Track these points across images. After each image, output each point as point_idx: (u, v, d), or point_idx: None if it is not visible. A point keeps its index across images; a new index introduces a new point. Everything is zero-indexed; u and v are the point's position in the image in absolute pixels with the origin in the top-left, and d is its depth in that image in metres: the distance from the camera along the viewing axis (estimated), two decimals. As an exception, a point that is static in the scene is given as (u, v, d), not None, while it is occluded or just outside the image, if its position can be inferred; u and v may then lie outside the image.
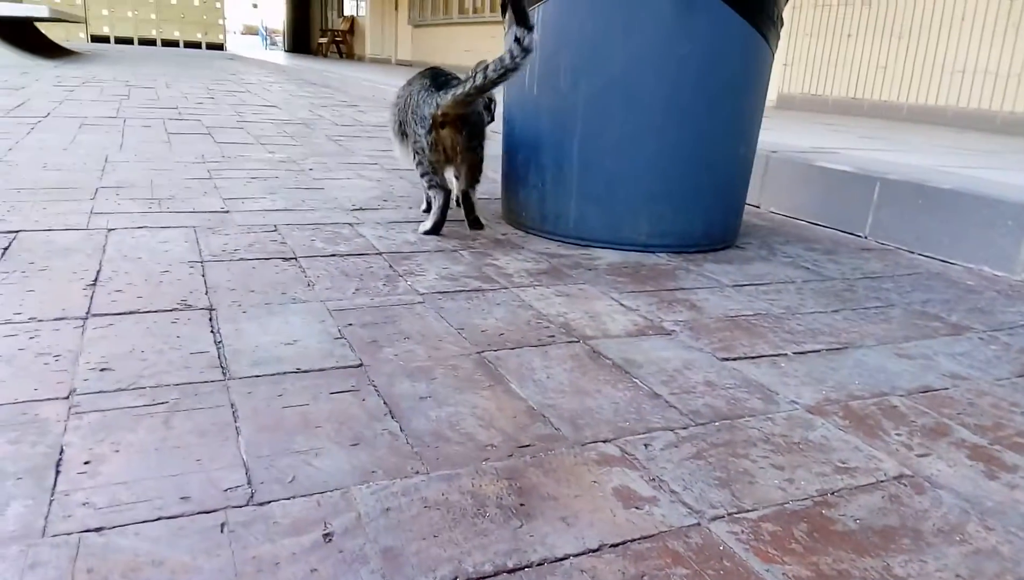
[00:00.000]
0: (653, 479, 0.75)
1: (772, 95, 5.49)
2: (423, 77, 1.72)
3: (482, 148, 1.73)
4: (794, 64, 5.40)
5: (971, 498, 0.76)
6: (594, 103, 1.62)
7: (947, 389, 1.03)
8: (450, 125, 1.65)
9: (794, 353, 1.13)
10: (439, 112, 1.61)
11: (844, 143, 2.80)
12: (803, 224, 2.11)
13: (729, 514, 0.70)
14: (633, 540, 0.65)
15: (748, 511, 0.71)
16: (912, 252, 1.84)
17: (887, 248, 1.87)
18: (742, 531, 0.67)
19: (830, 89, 5.13)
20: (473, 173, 1.75)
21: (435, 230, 1.71)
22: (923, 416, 0.94)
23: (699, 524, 0.68)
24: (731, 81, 1.64)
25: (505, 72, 1.51)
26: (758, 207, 2.30)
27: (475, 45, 10.18)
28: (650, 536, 0.66)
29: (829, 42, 5.14)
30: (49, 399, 0.83)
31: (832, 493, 0.75)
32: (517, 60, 1.49)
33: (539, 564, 0.61)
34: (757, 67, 1.67)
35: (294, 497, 0.68)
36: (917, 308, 1.39)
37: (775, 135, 2.91)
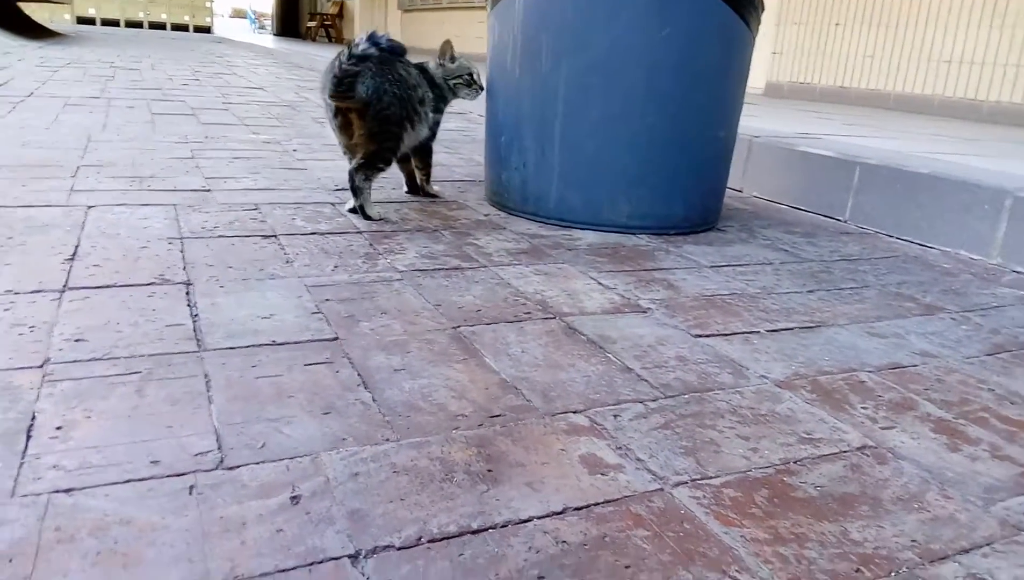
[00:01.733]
0: (620, 447, 0.76)
1: (760, 83, 5.50)
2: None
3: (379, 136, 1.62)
4: (783, 53, 5.41)
5: (932, 468, 0.78)
6: (575, 85, 1.63)
7: (916, 366, 1.05)
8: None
9: (767, 330, 1.14)
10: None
11: (828, 130, 2.82)
12: (784, 208, 2.12)
13: (692, 480, 0.71)
14: (596, 504, 0.66)
15: (711, 478, 0.72)
16: (891, 236, 1.85)
17: (866, 232, 1.88)
18: (704, 496, 0.69)
19: (818, 78, 5.15)
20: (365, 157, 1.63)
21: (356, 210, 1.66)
22: (890, 391, 0.96)
23: (662, 490, 0.69)
24: (711, 64, 1.65)
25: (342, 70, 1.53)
26: (740, 191, 2.32)
27: (464, 30, 10.13)
28: (613, 500, 0.67)
29: (817, 31, 5.15)
30: (23, 368, 0.83)
31: (795, 462, 0.76)
32: (344, 64, 1.53)
33: (503, 526, 0.62)
34: (737, 51, 1.68)
35: (263, 462, 0.69)
36: (892, 289, 1.41)
37: (761, 121, 2.93)
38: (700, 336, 1.10)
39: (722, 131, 1.74)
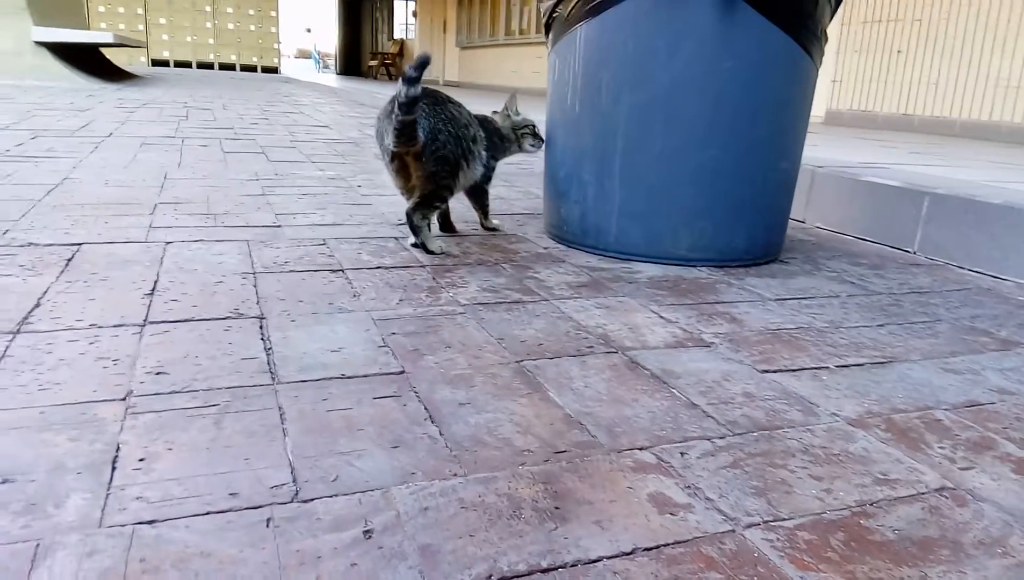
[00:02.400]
0: (688, 486, 0.75)
1: (820, 112, 5.42)
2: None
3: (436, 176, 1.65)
4: (843, 81, 5.33)
5: (1015, 511, 0.75)
6: (636, 119, 1.64)
7: (993, 403, 1.01)
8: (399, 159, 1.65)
9: (836, 366, 1.11)
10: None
11: (893, 158, 2.76)
12: (850, 239, 2.08)
13: (765, 522, 0.70)
14: (667, 545, 0.65)
15: (784, 519, 0.70)
16: (962, 267, 1.80)
17: (936, 263, 1.83)
18: (777, 539, 0.67)
19: (880, 105, 5.05)
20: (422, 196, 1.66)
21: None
22: (968, 430, 0.93)
23: (734, 531, 0.68)
24: (774, 96, 1.64)
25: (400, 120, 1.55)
26: (803, 222, 2.28)
27: (521, 66, 10.27)
28: (684, 541, 0.66)
29: (878, 58, 5.06)
30: (107, 400, 0.87)
31: (871, 504, 0.74)
32: (400, 117, 1.55)
33: (572, 565, 0.62)
34: (801, 82, 1.67)
35: (336, 495, 0.70)
36: (966, 323, 1.36)
37: (822, 151, 2.88)
38: (766, 371, 1.08)
39: (785, 162, 1.72)
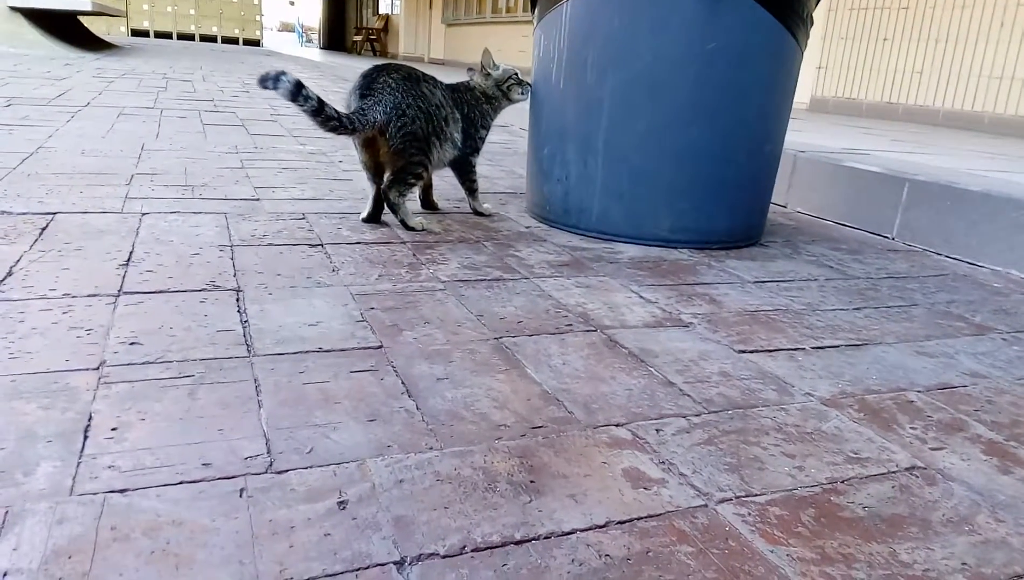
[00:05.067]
0: (663, 462, 0.76)
1: (805, 98, 5.44)
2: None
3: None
4: (828, 68, 5.34)
5: (983, 491, 0.76)
6: (620, 98, 1.63)
7: (966, 386, 1.03)
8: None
9: (812, 347, 1.12)
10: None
11: (875, 145, 2.77)
12: (830, 224, 2.09)
13: (737, 497, 0.71)
14: (640, 518, 0.66)
15: (756, 495, 0.71)
16: (940, 254, 1.82)
17: (914, 249, 1.85)
18: (749, 514, 0.68)
19: (865, 93, 5.07)
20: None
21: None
22: (940, 411, 0.94)
23: (706, 506, 0.69)
24: (758, 79, 1.64)
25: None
26: (785, 206, 2.29)
27: (507, 44, 10.20)
28: (657, 515, 0.67)
29: (864, 46, 5.08)
30: (80, 370, 0.86)
31: (842, 481, 0.75)
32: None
33: (546, 537, 0.63)
34: (785, 65, 1.67)
35: (311, 467, 0.70)
36: (941, 308, 1.38)
37: (806, 136, 2.89)
38: (743, 352, 1.09)
39: (768, 145, 1.72)
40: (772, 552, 0.63)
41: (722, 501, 0.70)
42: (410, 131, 1.60)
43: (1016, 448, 0.86)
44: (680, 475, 0.74)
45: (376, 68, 1.65)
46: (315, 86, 6.09)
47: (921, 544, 0.66)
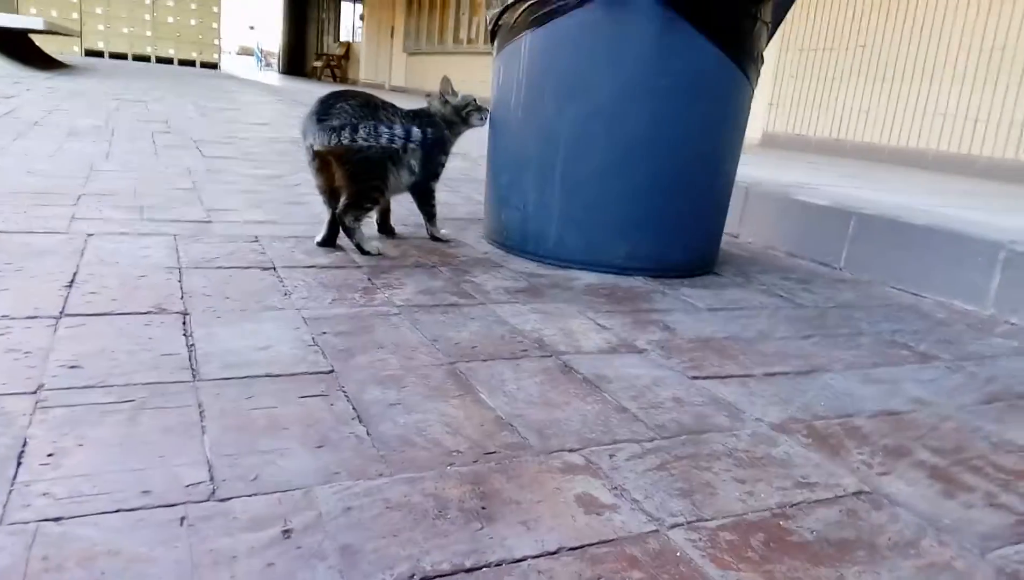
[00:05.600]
0: (615, 488, 0.76)
1: (757, 134, 5.58)
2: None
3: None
4: (779, 105, 5.50)
5: (928, 515, 0.77)
6: (577, 130, 1.65)
7: (911, 412, 1.05)
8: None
9: (763, 374, 1.14)
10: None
11: (824, 180, 2.85)
12: (780, 255, 2.14)
13: (688, 522, 0.71)
14: (591, 544, 0.65)
15: (707, 520, 0.71)
16: (885, 284, 1.87)
17: (861, 280, 1.90)
18: (700, 539, 0.68)
19: (814, 130, 5.23)
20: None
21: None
22: (886, 437, 0.96)
23: (657, 531, 0.69)
24: (710, 115, 1.68)
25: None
26: (737, 237, 2.34)
27: (469, 74, 10.29)
28: (609, 541, 0.66)
29: (814, 85, 5.24)
30: (16, 394, 0.83)
31: (791, 506, 0.76)
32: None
33: (497, 564, 0.62)
34: (737, 102, 1.71)
35: (256, 494, 0.68)
36: (887, 337, 1.42)
37: (758, 170, 2.96)
38: (696, 378, 1.09)
39: (720, 178, 1.76)
40: (722, 577, 0.63)
41: (673, 526, 0.70)
42: (365, 156, 1.59)
43: (960, 473, 0.88)
44: (632, 500, 0.73)
45: (333, 94, 1.65)
46: (272, 110, 6.05)
47: (868, 568, 0.67)
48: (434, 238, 1.87)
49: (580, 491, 0.74)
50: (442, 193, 2.58)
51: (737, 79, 1.67)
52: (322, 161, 1.61)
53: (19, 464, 0.69)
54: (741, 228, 2.35)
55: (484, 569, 0.61)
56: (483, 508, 0.70)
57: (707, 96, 1.65)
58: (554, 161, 1.69)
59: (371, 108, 1.63)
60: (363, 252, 1.63)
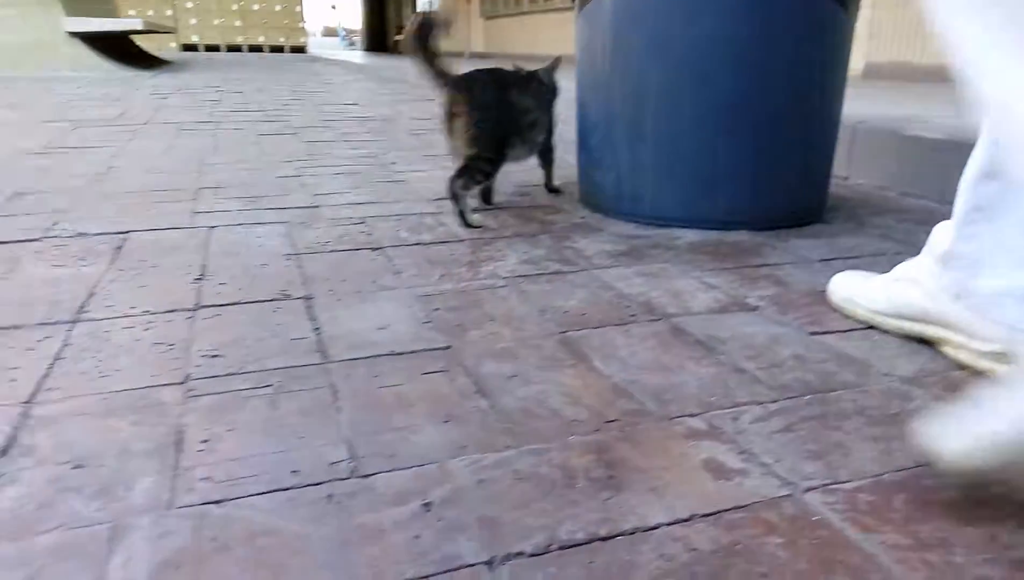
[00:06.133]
0: (743, 452, 0.75)
1: (859, 65, 5.27)
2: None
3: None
4: (880, 32, 5.16)
5: (1083, 469, 0.73)
6: (667, 82, 1.61)
7: (1055, 359, 0.99)
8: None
9: (887, 326, 1.09)
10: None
11: (937, 112, 2.67)
12: (893, 196, 2.03)
13: (823, 485, 0.69)
14: (725, 510, 0.65)
15: (843, 482, 0.70)
16: (1015, 219, 1.74)
17: (987, 216, 1.78)
18: (837, 501, 0.67)
19: (921, 57, 4.89)
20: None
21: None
22: (1029, 387, 0.90)
23: (792, 495, 0.68)
24: (807, 53, 1.59)
25: None
26: (846, 179, 2.23)
27: (547, 34, 10.15)
28: (742, 506, 0.66)
29: (916, 8, 4.89)
30: (166, 384, 0.89)
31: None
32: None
33: (631, 533, 0.63)
34: (835, 36, 1.62)
35: (394, 470, 0.72)
36: (1021, 277, 1.33)
37: (863, 105, 2.81)
38: (816, 334, 1.06)
39: (823, 119, 1.68)
40: (865, 540, 0.62)
41: (808, 489, 0.69)
42: (488, 128, 1.68)
43: (1115, 421, 0.82)
44: (762, 464, 0.73)
45: (470, 73, 1.75)
46: (361, 88, 6.17)
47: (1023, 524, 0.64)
48: (552, 190, 2.03)
49: (706, 456, 0.74)
50: (532, 159, 2.58)
51: (833, 11, 1.57)
52: (454, 120, 1.71)
53: (179, 451, 0.75)
54: (850, 169, 2.24)
55: (619, 537, 0.62)
56: (610, 477, 0.71)
57: (803, 34, 1.57)
58: (645, 117, 1.66)
59: (502, 88, 1.74)
60: (464, 223, 1.65)
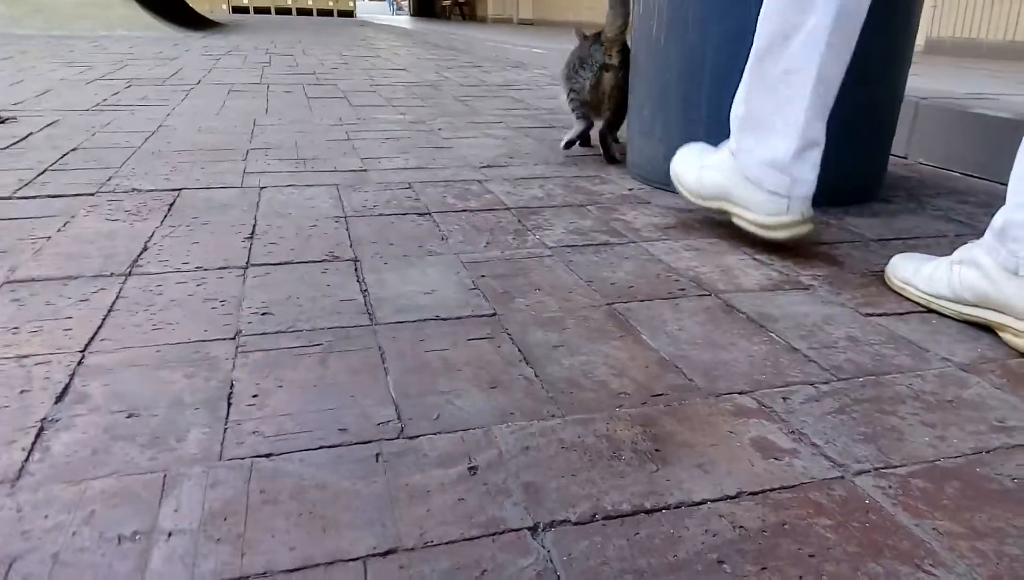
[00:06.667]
0: (793, 432, 0.74)
1: (920, 40, 5.07)
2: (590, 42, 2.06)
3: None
4: (944, 5, 4.96)
5: None
6: (723, 52, 1.57)
7: (1124, 351, 0.95)
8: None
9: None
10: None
11: (1003, 89, 2.57)
12: (956, 175, 1.96)
13: (875, 469, 0.68)
14: (773, 490, 0.65)
15: (896, 467, 0.68)
16: (1085, 205, 1.67)
17: (1055, 201, 1.70)
18: (889, 486, 0.65)
19: (986, 32, 4.68)
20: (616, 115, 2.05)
21: (569, 145, 2.13)
22: (1095, 378, 0.87)
23: (843, 477, 0.67)
24: (869, 24, 1.53)
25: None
26: (905, 158, 2.16)
27: (598, 1, 9.96)
28: (791, 487, 0.65)
29: (990, -22, 4.67)
30: (218, 339, 0.91)
31: (987, 451, 0.71)
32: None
33: (676, 507, 0.62)
34: (900, 8, 1.55)
35: (440, 432, 0.72)
36: (1090, 265, 1.27)
37: (924, 81, 2.71)
38: (871, 315, 1.04)
39: (883, 94, 1.62)
40: (917, 526, 0.60)
41: (859, 473, 0.67)
42: (626, 87, 1.95)
43: None
44: (812, 445, 0.71)
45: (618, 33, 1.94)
46: (408, 54, 6.15)
47: (1082, 521, 0.62)
48: (613, 159, 2.10)
49: (755, 434, 0.73)
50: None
51: (907, -16, 1.51)
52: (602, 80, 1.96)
53: (229, 404, 0.76)
54: (909, 148, 2.16)
55: (664, 511, 0.62)
56: (657, 450, 0.70)
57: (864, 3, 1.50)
58: (699, 89, 1.62)
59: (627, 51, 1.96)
60: (613, 160, 2.04)
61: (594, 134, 2.11)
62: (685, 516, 0.61)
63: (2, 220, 1.36)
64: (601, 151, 2.08)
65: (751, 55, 1.28)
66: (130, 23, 7.47)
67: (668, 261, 1.25)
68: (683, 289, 1.12)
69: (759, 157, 1.27)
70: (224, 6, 18.14)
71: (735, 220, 1.34)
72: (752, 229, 1.31)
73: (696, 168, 1.41)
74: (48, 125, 2.32)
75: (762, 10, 1.24)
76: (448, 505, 0.61)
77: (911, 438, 0.73)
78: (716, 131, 1.61)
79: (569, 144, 2.10)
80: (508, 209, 1.54)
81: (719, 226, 1.45)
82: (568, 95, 2.05)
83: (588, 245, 1.32)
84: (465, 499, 0.62)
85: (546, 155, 2.08)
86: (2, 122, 2.34)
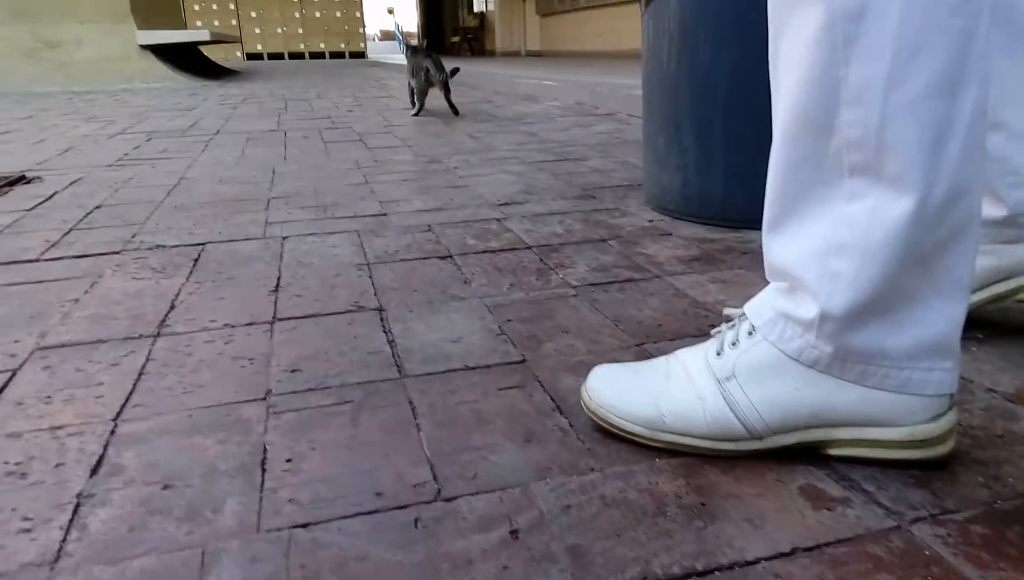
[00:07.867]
0: (842, 478, 0.71)
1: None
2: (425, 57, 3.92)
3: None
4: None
5: None
6: (737, 75, 1.56)
7: None
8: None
9: (985, 335, 1.03)
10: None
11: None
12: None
13: (932, 515, 0.65)
14: (828, 544, 0.62)
15: (952, 512, 0.66)
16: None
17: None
18: (948, 533, 0.63)
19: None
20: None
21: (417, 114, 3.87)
22: None
23: (899, 527, 0.64)
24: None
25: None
26: (927, 176, 2.13)
27: (606, 28, 10.05)
28: (846, 540, 0.63)
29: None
30: (249, 400, 0.90)
31: (1048, 492, 0.68)
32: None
33: (729, 567, 0.60)
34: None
35: (478, 493, 0.70)
36: None
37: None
38: (909, 346, 1.01)
39: (909, 115, 1.60)
40: (983, 578, 0.58)
41: (915, 520, 0.65)
42: (445, 80, 3.65)
43: None
44: (863, 492, 0.69)
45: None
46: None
47: None
48: (456, 111, 3.99)
49: (803, 482, 0.71)
50: (594, 160, 2.56)
51: None
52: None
53: (264, 471, 0.75)
54: (931, 166, 2.14)
55: (716, 572, 0.59)
56: (702, 504, 0.68)
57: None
58: (714, 114, 1.61)
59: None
60: (457, 111, 3.65)
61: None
62: (740, 577, 0.59)
63: (31, 283, 1.37)
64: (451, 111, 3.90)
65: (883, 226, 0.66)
66: (148, 75, 7.63)
67: (694, 295, 1.23)
68: (713, 325, 1.10)
69: (902, 347, 0.71)
70: (238, 53, 18.53)
71: (835, 450, 0.74)
72: (895, 454, 0.73)
73: (700, 399, 0.77)
74: (72, 183, 2.36)
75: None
76: (492, 573, 0.60)
77: (964, 479, 0.71)
78: (734, 159, 1.60)
79: (416, 114, 4.05)
80: (529, 248, 1.53)
81: (743, 255, 1.44)
82: (415, 87, 4.10)
83: (612, 282, 1.31)
84: (509, 567, 0.60)
85: (562, 189, 2.08)
86: (28, 182, 2.38)
